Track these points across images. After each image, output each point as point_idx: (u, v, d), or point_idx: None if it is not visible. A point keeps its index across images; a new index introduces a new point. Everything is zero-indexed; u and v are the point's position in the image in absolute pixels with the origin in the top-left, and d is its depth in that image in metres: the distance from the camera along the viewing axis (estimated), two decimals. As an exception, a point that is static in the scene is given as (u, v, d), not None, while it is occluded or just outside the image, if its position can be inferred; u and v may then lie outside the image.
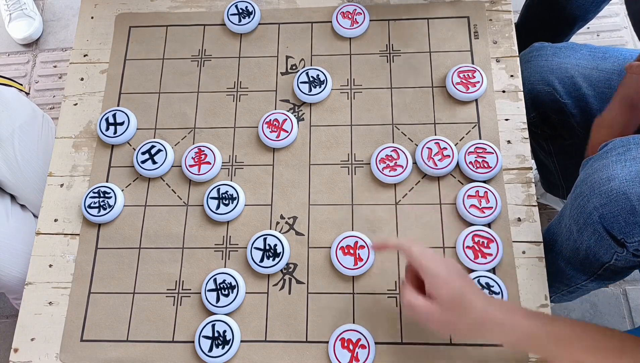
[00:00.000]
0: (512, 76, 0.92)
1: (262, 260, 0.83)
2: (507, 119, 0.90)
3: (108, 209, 0.88)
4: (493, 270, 0.81)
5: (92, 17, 1.04)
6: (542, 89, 0.92)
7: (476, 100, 0.91)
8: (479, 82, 0.90)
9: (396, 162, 0.87)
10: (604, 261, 0.76)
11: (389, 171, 0.87)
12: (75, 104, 0.98)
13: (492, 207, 0.83)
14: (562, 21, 1.21)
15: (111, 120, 0.94)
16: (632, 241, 0.70)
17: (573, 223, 0.76)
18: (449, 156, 0.86)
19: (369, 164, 0.88)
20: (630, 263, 0.75)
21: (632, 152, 0.70)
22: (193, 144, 0.92)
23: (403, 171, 0.86)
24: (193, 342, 0.80)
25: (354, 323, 0.80)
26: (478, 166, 0.85)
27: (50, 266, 0.87)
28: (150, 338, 0.82)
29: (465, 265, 0.81)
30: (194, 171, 0.89)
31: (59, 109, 1.41)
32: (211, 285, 0.82)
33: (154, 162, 0.90)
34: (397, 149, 0.87)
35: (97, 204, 0.88)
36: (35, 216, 1.12)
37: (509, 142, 0.88)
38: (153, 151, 0.91)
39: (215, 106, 0.95)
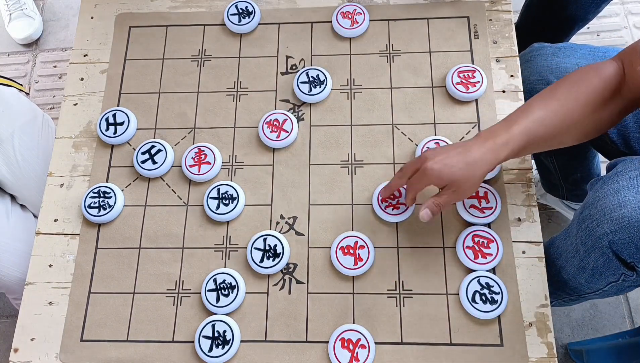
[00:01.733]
0: (512, 75, 0.92)
1: (262, 260, 0.83)
2: (507, 119, 0.90)
3: (108, 209, 0.88)
4: (493, 270, 0.81)
5: (92, 17, 1.04)
6: (542, 88, 0.91)
7: (476, 100, 0.91)
8: (479, 82, 0.90)
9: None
10: (611, 281, 0.76)
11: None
12: (75, 104, 0.98)
13: (492, 207, 0.83)
14: (562, 22, 1.21)
15: (111, 120, 0.94)
16: None
17: (580, 243, 0.75)
18: (449, 156, 0.86)
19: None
20: (637, 283, 0.75)
21: None
22: (193, 144, 0.92)
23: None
24: (193, 342, 0.80)
25: (354, 323, 0.80)
26: (478, 166, 0.85)
27: (50, 266, 0.87)
28: (150, 338, 0.82)
29: (465, 264, 0.81)
30: (194, 171, 0.89)
31: (59, 109, 1.41)
32: (211, 285, 0.82)
33: (154, 162, 0.90)
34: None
35: (97, 204, 0.88)
36: (35, 216, 1.12)
37: (509, 142, 0.88)
38: (153, 151, 0.91)
39: (215, 106, 0.95)
